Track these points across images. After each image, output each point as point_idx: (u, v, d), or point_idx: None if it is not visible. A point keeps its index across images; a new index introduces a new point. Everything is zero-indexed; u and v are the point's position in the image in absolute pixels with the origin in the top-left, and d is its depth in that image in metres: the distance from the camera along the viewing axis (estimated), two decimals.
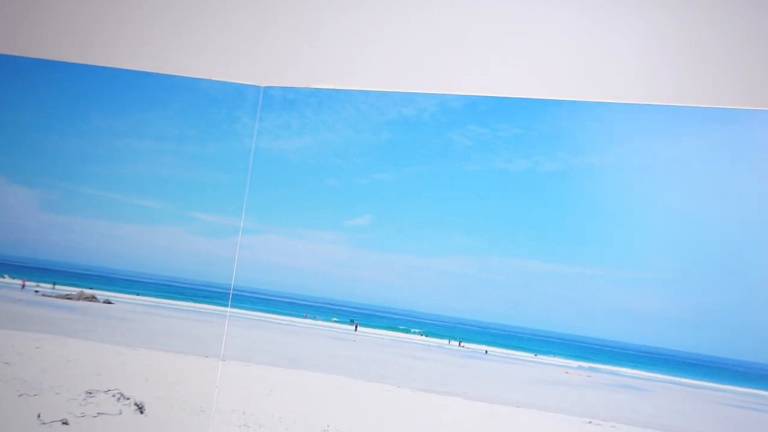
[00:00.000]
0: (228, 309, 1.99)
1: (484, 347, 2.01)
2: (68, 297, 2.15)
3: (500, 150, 1.93)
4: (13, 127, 2.05)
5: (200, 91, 2.05)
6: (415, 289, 1.96)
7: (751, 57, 1.79)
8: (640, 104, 1.84)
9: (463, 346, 2.02)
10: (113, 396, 1.98)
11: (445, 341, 2.03)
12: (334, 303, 2.03)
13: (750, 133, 1.77)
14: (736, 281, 1.75)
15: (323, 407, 1.93)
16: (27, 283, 2.13)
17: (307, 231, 2.01)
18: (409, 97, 1.98)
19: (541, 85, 1.91)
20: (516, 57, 1.94)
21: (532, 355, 1.98)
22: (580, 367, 1.93)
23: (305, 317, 2.08)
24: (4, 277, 2.09)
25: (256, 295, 2.02)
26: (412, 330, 2.07)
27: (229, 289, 1.99)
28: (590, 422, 1.82)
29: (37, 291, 2.15)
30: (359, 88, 2.00)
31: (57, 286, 2.17)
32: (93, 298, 2.14)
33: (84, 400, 1.97)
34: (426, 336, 2.06)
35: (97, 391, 1.98)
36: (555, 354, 1.95)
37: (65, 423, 1.95)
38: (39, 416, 1.95)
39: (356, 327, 2.07)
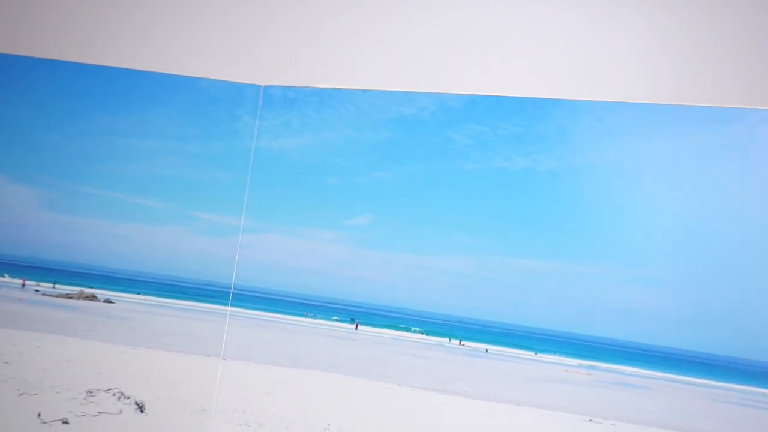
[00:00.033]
0: (228, 308, 1.99)
1: (484, 346, 2.01)
2: (68, 296, 2.15)
3: (500, 149, 1.93)
4: (14, 126, 2.05)
5: (201, 91, 2.05)
6: (415, 288, 1.96)
7: (751, 56, 1.80)
8: (640, 103, 1.84)
9: (463, 345, 2.02)
10: (114, 395, 1.98)
11: (446, 340, 2.03)
12: (334, 302, 2.03)
13: (750, 132, 1.78)
14: (736, 279, 1.75)
15: (324, 406, 1.94)
16: (27, 282, 2.13)
17: (307, 230, 2.01)
18: (409, 96, 1.99)
19: (541, 84, 1.91)
20: (516, 56, 1.94)
21: (532, 353, 1.99)
22: (580, 366, 1.93)
23: (305, 316, 2.08)
24: (4, 277, 2.09)
25: (257, 294, 2.02)
26: (413, 329, 2.07)
27: (230, 288, 1.99)
28: (590, 420, 1.82)
29: (37, 290, 2.15)
30: (359, 87, 2.01)
31: (57, 286, 2.17)
32: (93, 298, 2.14)
33: (84, 399, 1.97)
34: (426, 334, 2.06)
35: (98, 390, 1.98)
36: (555, 352, 1.95)
37: (66, 422, 1.95)
38: (39, 415, 1.95)
39: (357, 326, 2.07)
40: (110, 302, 2.13)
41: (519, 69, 1.94)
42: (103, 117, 2.06)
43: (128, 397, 1.97)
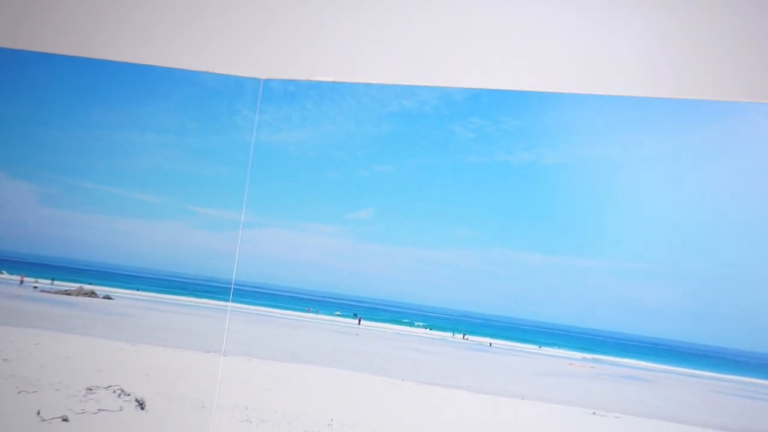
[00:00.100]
0: (229, 303, 1.98)
1: (488, 340, 2.01)
2: (67, 293, 2.13)
3: (502, 142, 1.93)
4: (13, 121, 2.03)
5: (200, 84, 2.03)
6: (418, 282, 1.95)
7: (752, 50, 1.80)
8: (643, 97, 1.84)
9: (467, 339, 2.02)
10: (114, 392, 1.96)
11: (449, 334, 2.03)
12: (336, 297, 2.02)
13: (752, 125, 1.78)
14: (738, 273, 1.76)
15: (326, 402, 1.93)
16: (25, 278, 2.11)
17: (308, 224, 2.00)
18: (411, 90, 1.97)
19: (544, 78, 1.90)
20: (518, 49, 1.93)
21: (536, 347, 1.99)
22: (583, 359, 1.93)
23: (308, 311, 2.07)
24: (2, 273, 2.07)
25: (258, 290, 2.01)
26: (416, 323, 2.07)
27: (231, 284, 1.97)
28: (594, 413, 1.82)
29: (35, 287, 2.13)
30: (360, 81, 1.99)
31: (56, 282, 2.15)
32: (92, 294, 2.12)
33: (84, 396, 1.95)
34: (430, 329, 2.05)
35: (98, 387, 1.97)
36: (559, 346, 1.95)
37: (65, 420, 1.93)
38: (39, 413, 1.93)
39: (359, 321, 2.06)
40: (109, 298, 2.11)
41: (522, 63, 1.93)
42: (102, 111, 2.04)
43: (128, 394, 1.96)
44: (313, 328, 2.06)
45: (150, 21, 2.07)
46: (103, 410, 1.94)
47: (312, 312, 2.06)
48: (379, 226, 1.97)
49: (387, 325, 2.07)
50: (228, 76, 2.01)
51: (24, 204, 2.01)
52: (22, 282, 2.11)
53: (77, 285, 2.13)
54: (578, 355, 1.93)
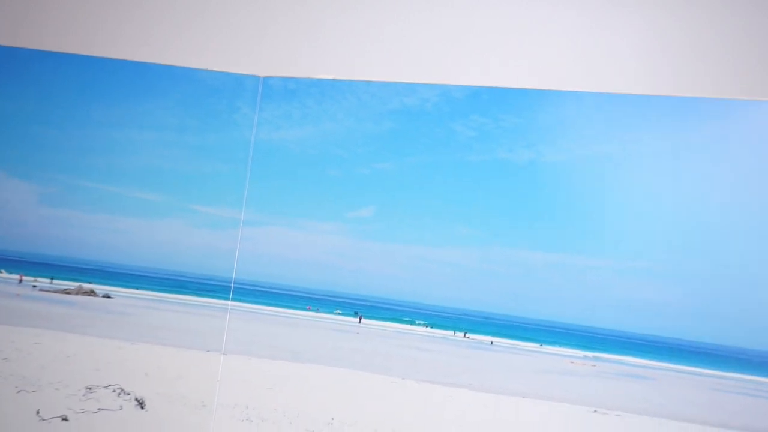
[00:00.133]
0: (229, 302, 1.97)
1: (489, 338, 2.01)
2: (66, 292, 2.13)
3: (503, 140, 1.92)
4: (11, 120, 2.01)
5: (200, 82, 2.02)
6: (418, 280, 1.95)
7: (752, 48, 1.79)
8: (643, 95, 1.83)
9: (468, 337, 2.02)
10: (113, 391, 1.95)
11: (450, 332, 2.03)
12: (337, 295, 2.01)
13: (753, 123, 1.78)
14: (738, 270, 1.76)
15: (327, 400, 1.92)
16: (24, 277, 2.10)
17: (308, 222, 1.99)
18: (412, 87, 1.97)
19: (544, 76, 1.90)
20: (518, 47, 1.93)
21: (537, 345, 1.98)
22: (585, 357, 1.93)
23: (308, 310, 2.06)
24: (1, 272, 2.06)
25: (258, 288, 2.00)
26: (417, 322, 2.06)
27: (231, 282, 1.97)
28: (596, 411, 1.82)
29: (34, 286, 2.12)
30: (361, 78, 1.98)
31: (55, 281, 2.14)
32: (92, 293, 2.11)
33: (84, 395, 1.95)
34: (431, 327, 2.05)
35: (97, 386, 1.96)
36: (560, 344, 1.95)
37: (65, 419, 1.92)
38: (38, 413, 1.93)
39: (360, 319, 2.06)
40: (109, 297, 2.10)
41: (522, 60, 1.92)
42: (102, 109, 2.03)
43: (128, 394, 1.95)
44: (313, 326, 2.05)
45: (149, 19, 2.06)
46: (102, 410, 1.94)
47: (312, 310, 2.06)
48: (380, 224, 1.97)
49: (388, 323, 2.07)
50: (227, 74, 2.01)
51: (23, 203, 2.01)
52: (21, 281, 2.10)
53: (77, 284, 2.12)
54: (579, 353, 1.93)
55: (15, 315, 2.03)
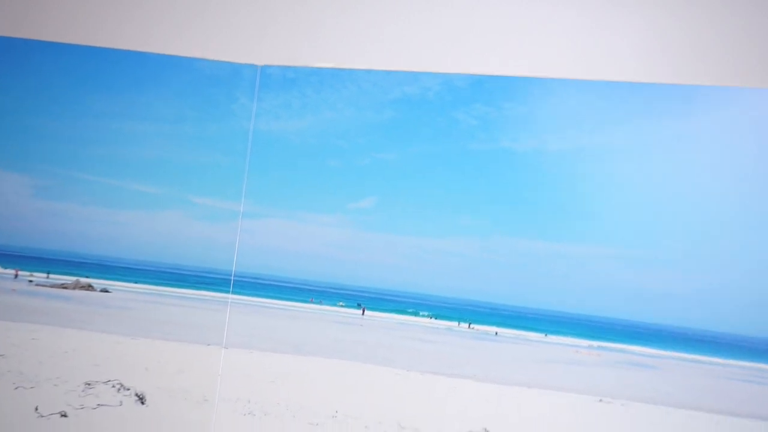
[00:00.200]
0: (230, 295, 1.94)
1: (494, 329, 2.00)
2: (63, 286, 2.10)
3: (506, 129, 1.90)
4: (6, 111, 1.97)
5: (197, 71, 1.98)
6: (421, 271, 1.93)
7: (752, 38, 1.78)
8: (648, 83, 1.82)
9: (472, 328, 2.01)
10: (113, 387, 1.93)
11: (455, 323, 2.02)
12: (339, 287, 2.00)
13: (756, 111, 1.77)
14: (742, 259, 1.75)
15: (330, 393, 1.91)
16: (20, 272, 2.07)
17: (309, 214, 1.97)
18: (413, 76, 1.94)
19: (546, 64, 1.88)
20: (521, 35, 1.91)
21: (542, 335, 1.98)
22: (590, 347, 1.93)
23: (311, 302, 2.04)
24: None
25: (259, 281, 1.98)
26: (421, 313, 2.05)
27: (231, 275, 1.94)
28: (601, 400, 1.82)
29: (30, 281, 2.09)
30: (362, 67, 1.95)
31: (51, 276, 2.11)
32: (89, 287, 2.08)
33: (83, 391, 1.92)
34: (435, 318, 2.04)
35: (96, 382, 1.93)
36: (565, 334, 1.94)
37: (64, 415, 1.90)
38: (36, 409, 1.90)
39: (363, 311, 2.04)
40: (107, 291, 2.07)
41: (524, 49, 1.90)
42: (98, 100, 1.99)
43: (128, 389, 1.93)
44: (315, 319, 2.04)
45: (146, 9, 2.02)
46: (102, 405, 1.91)
47: (315, 303, 2.04)
48: (381, 215, 1.95)
49: (391, 315, 2.05)
50: (224, 63, 1.97)
51: (18, 196, 1.97)
52: (16, 276, 2.07)
53: (74, 278, 2.09)
54: (584, 342, 1.92)
55: (11, 310, 2.00)
